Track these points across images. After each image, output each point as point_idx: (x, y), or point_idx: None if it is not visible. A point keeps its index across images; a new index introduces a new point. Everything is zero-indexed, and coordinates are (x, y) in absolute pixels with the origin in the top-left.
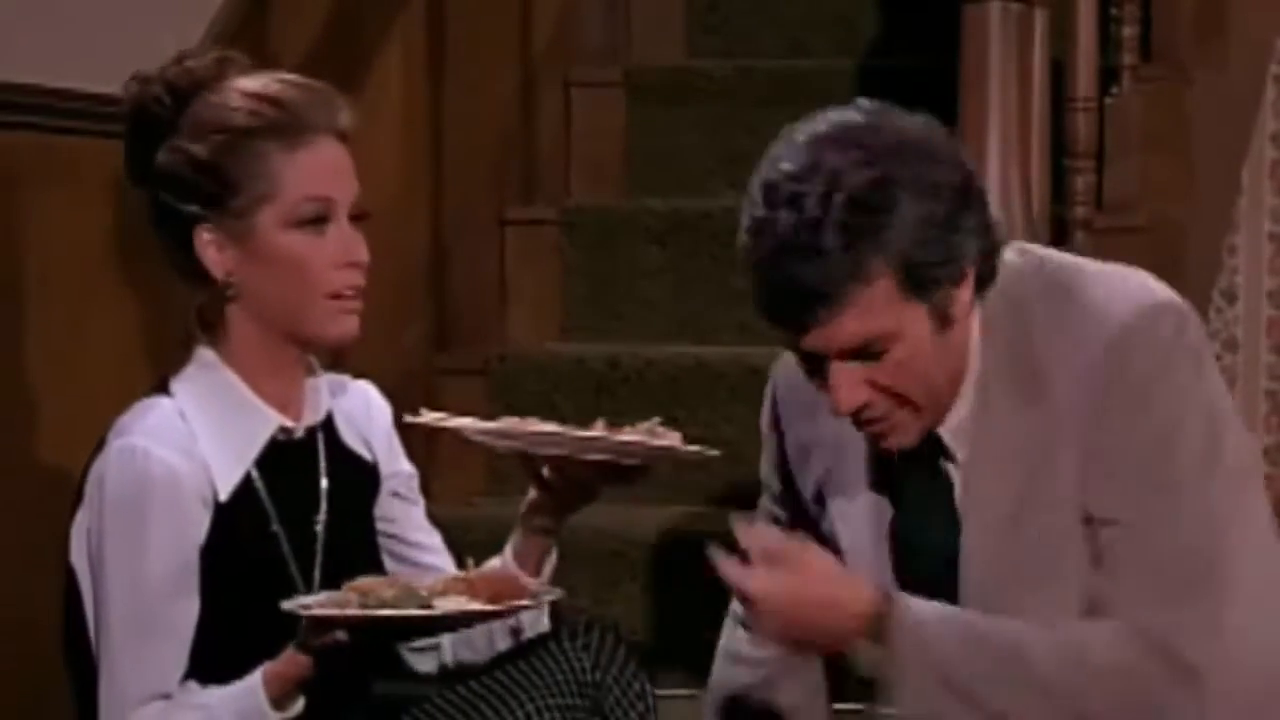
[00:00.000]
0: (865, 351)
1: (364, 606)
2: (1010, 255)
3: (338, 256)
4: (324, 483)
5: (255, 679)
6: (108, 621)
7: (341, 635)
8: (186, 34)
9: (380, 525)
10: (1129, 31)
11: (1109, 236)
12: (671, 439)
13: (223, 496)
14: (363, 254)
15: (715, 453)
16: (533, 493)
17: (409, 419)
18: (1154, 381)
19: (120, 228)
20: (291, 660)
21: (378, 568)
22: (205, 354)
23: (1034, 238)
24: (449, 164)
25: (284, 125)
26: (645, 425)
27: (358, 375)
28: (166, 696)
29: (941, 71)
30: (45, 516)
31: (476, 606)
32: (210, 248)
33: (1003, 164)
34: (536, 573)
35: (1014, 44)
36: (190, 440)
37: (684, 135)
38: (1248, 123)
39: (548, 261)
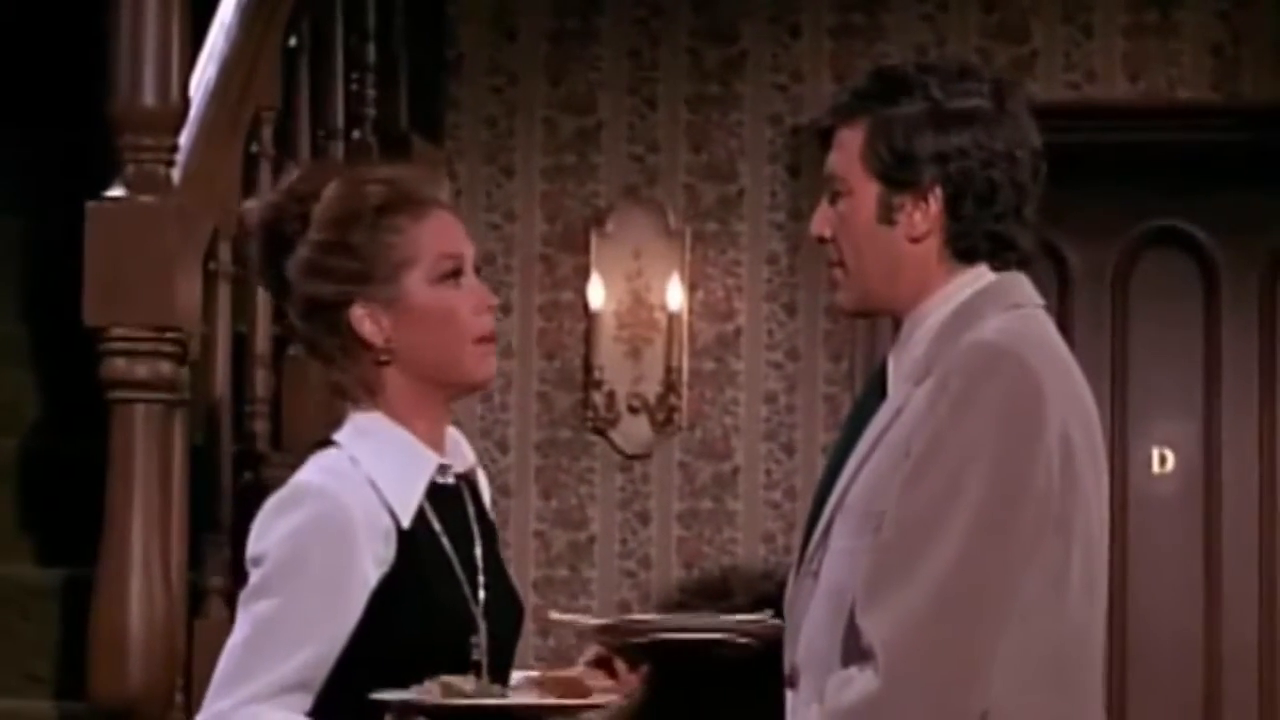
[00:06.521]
0: (834, 190)
1: (446, 697)
2: (1008, 306)
3: (478, 302)
4: (474, 526)
5: None
6: (252, 620)
7: None
8: None
9: None
10: (260, 427)
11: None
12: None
13: (405, 524)
14: (494, 298)
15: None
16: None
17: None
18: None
19: None
20: None
21: (517, 609)
22: (364, 414)
23: (171, 606)
24: None
25: (406, 199)
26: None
27: None
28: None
29: (102, 455)
30: None
31: (545, 701)
32: (365, 321)
33: (145, 539)
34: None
35: (156, 437)
36: (362, 481)
37: None
38: None
39: None
